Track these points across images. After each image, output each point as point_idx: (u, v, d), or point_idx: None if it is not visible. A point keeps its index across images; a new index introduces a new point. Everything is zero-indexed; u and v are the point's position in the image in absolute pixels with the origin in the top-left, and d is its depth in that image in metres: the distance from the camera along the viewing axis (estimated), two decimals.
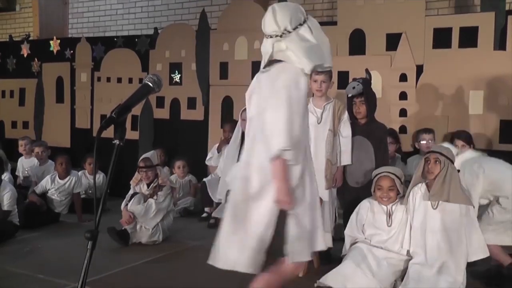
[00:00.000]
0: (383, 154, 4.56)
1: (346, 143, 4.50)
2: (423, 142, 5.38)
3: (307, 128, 2.85)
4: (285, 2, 3.09)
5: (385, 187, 3.95)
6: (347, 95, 4.66)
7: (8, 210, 5.23)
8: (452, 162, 3.77)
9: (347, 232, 4.13)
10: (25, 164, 7.13)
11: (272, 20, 2.74)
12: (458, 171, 3.88)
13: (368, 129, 4.59)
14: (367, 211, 4.05)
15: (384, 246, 3.90)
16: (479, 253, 3.78)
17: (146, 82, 2.05)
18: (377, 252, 3.85)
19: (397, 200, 3.97)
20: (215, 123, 6.93)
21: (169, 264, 4.61)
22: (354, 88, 4.59)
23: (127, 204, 5.17)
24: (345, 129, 4.51)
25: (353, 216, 4.13)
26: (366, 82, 4.67)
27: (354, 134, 4.55)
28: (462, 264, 3.70)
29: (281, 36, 2.72)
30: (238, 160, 5.16)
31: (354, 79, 4.76)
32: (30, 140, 7.35)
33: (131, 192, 5.35)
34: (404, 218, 3.91)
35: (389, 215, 3.94)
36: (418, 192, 3.88)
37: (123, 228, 5.09)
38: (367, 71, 4.89)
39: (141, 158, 5.41)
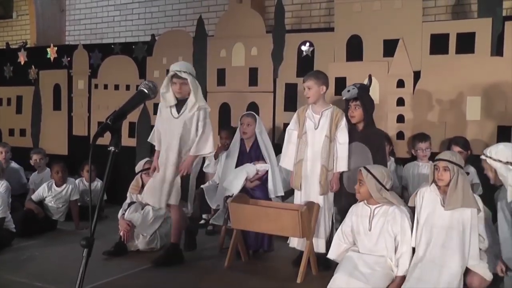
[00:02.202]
0: (382, 160, 4.54)
1: (343, 149, 4.49)
2: (419, 151, 5.37)
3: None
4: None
5: (357, 181, 3.98)
6: (344, 99, 4.69)
7: (2, 217, 5.20)
8: (461, 167, 3.75)
9: (335, 236, 4.15)
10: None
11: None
12: (468, 173, 3.87)
13: (366, 135, 4.59)
14: (352, 216, 4.05)
15: (372, 251, 3.89)
16: (475, 259, 3.76)
17: (142, 88, 2.06)
18: (367, 258, 3.83)
19: (380, 203, 3.92)
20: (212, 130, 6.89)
21: (167, 271, 4.58)
22: (349, 91, 4.61)
23: (123, 213, 5.14)
24: (342, 136, 4.50)
25: (342, 223, 4.14)
26: (363, 87, 4.67)
27: (352, 140, 4.54)
28: (462, 266, 3.69)
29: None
30: (236, 166, 5.16)
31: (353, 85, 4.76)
32: (10, 147, 7.09)
33: (128, 201, 5.31)
34: (385, 225, 3.86)
35: (372, 218, 3.92)
36: (426, 190, 3.86)
37: (117, 241, 5.05)
38: (370, 77, 4.90)
39: (144, 161, 5.39)
